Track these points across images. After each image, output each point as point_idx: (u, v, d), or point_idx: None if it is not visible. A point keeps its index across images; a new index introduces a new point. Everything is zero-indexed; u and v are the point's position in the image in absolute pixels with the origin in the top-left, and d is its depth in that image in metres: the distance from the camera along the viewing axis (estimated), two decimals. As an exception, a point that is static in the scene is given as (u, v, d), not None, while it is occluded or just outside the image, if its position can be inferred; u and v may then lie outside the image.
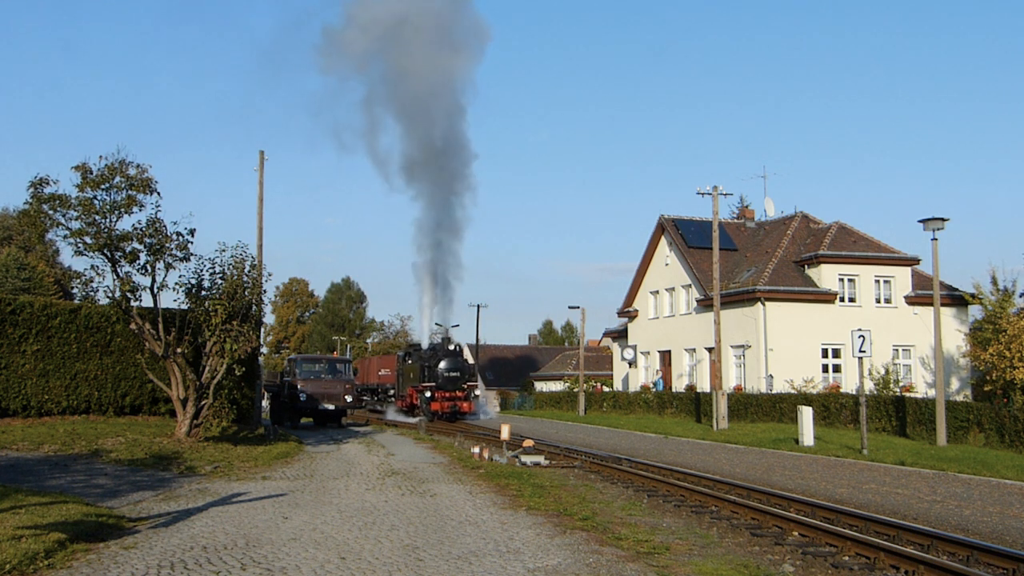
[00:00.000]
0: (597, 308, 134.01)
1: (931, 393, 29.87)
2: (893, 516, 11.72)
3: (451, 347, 37.49)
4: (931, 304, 26.83)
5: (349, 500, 12.11)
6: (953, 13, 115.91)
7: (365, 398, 50.72)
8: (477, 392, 37.84)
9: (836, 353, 34.94)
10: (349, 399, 32.26)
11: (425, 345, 40.49)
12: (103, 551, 8.25)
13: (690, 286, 39.20)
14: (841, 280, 35.50)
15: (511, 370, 71.88)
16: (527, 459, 18.19)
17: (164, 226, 18.17)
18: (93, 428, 18.94)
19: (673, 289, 40.82)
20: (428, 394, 35.45)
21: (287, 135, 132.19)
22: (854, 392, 28.71)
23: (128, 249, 17.78)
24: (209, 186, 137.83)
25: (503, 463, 17.91)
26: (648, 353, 43.19)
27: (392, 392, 45.17)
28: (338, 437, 25.73)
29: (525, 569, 8.02)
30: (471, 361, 43.40)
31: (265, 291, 21.11)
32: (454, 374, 35.89)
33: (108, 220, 17.51)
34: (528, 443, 19.98)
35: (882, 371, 31.81)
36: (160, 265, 18.40)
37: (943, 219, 22.96)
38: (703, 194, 30.67)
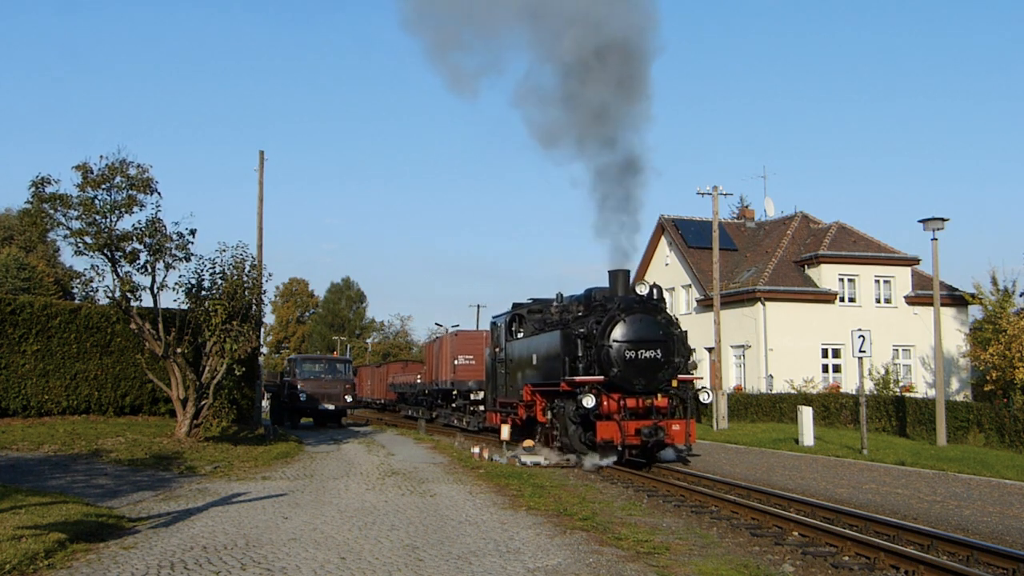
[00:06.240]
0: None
1: (931, 393, 29.88)
2: (893, 516, 11.71)
3: (642, 291, 17.70)
4: (931, 304, 26.83)
5: (349, 500, 12.11)
6: (953, 13, 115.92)
7: (439, 405, 34.26)
8: (706, 398, 17.94)
9: (836, 353, 34.95)
10: (349, 399, 32.34)
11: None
12: (103, 551, 8.25)
13: (690, 286, 39.20)
14: (841, 280, 35.52)
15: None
16: (527, 459, 18.19)
17: (164, 226, 18.22)
18: (93, 428, 18.94)
19: (673, 289, 40.81)
20: (589, 401, 16.22)
21: (288, 134, 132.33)
22: (854, 392, 28.71)
23: (128, 249, 17.80)
24: (209, 186, 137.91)
25: (503, 463, 17.90)
26: (648, 353, 42.99)
27: (481, 395, 27.32)
28: (338, 437, 25.74)
29: (525, 569, 8.02)
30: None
31: (265, 291, 21.15)
32: (649, 353, 16.95)
33: (108, 220, 17.54)
34: (528, 443, 19.96)
35: (882, 371, 31.82)
36: (160, 265, 18.43)
37: (943, 219, 22.97)
38: (703, 194, 30.76)
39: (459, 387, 29.71)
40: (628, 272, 18.98)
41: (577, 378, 17.04)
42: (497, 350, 23.00)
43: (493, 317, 24.13)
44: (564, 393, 17.55)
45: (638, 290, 17.68)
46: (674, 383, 17.32)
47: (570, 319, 18.91)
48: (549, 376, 18.45)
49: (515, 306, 22.69)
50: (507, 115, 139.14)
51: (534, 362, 19.62)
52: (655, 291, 17.94)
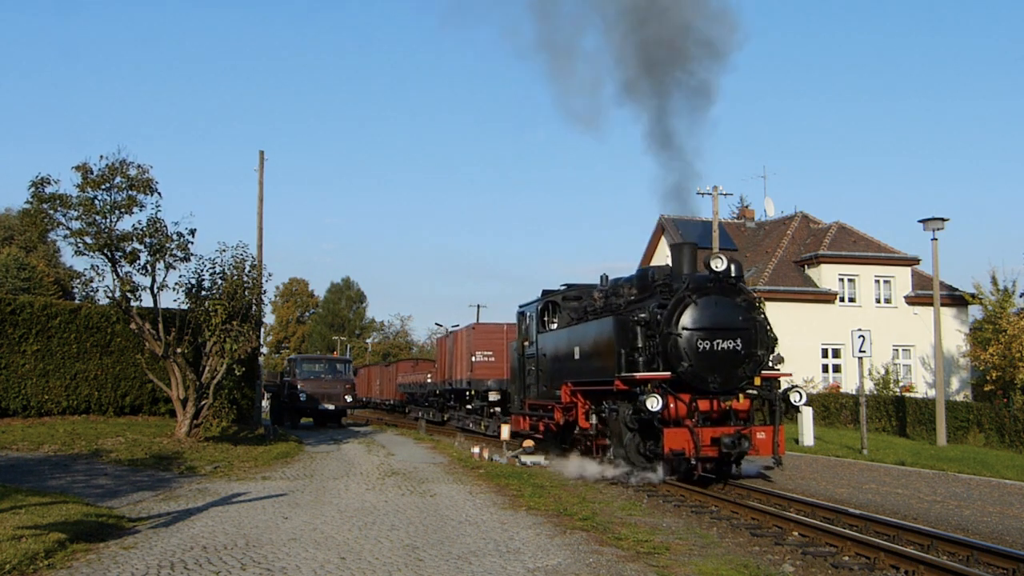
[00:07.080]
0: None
1: (931, 393, 29.89)
2: (893, 516, 11.71)
3: (717, 267, 14.09)
4: (931, 304, 26.84)
5: (349, 500, 12.11)
6: (953, 13, 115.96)
7: (452, 406, 31.36)
8: (798, 399, 14.47)
9: (836, 353, 34.95)
10: (349, 399, 32.34)
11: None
12: (103, 551, 8.25)
13: (690, 286, 39.11)
14: (841, 280, 35.51)
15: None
16: (527, 459, 18.19)
17: (164, 226, 18.23)
18: (93, 428, 18.95)
19: (673, 289, 40.71)
20: (655, 403, 13.13)
21: (288, 134, 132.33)
22: (854, 392, 28.72)
23: (128, 249, 17.82)
24: (209, 186, 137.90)
25: (503, 463, 17.90)
26: (648, 353, 42.83)
27: (498, 396, 25.62)
28: (338, 437, 25.74)
29: (525, 569, 8.02)
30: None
31: (265, 291, 21.18)
32: (727, 343, 13.88)
33: (108, 220, 17.56)
34: (528, 443, 19.96)
35: (882, 371, 31.84)
36: (160, 265, 18.44)
37: (943, 219, 23.00)
38: (703, 194, 30.78)
39: (476, 387, 26.69)
40: (695, 245, 15.39)
41: (637, 374, 13.88)
42: (526, 344, 19.89)
43: (520, 306, 20.68)
44: (617, 393, 14.37)
45: (712, 266, 14.05)
46: (756, 380, 14.12)
47: (621, 304, 15.70)
48: (597, 372, 15.35)
49: (545, 293, 19.50)
50: (507, 108, 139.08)
51: (576, 356, 16.38)
52: (733, 267, 14.19)
